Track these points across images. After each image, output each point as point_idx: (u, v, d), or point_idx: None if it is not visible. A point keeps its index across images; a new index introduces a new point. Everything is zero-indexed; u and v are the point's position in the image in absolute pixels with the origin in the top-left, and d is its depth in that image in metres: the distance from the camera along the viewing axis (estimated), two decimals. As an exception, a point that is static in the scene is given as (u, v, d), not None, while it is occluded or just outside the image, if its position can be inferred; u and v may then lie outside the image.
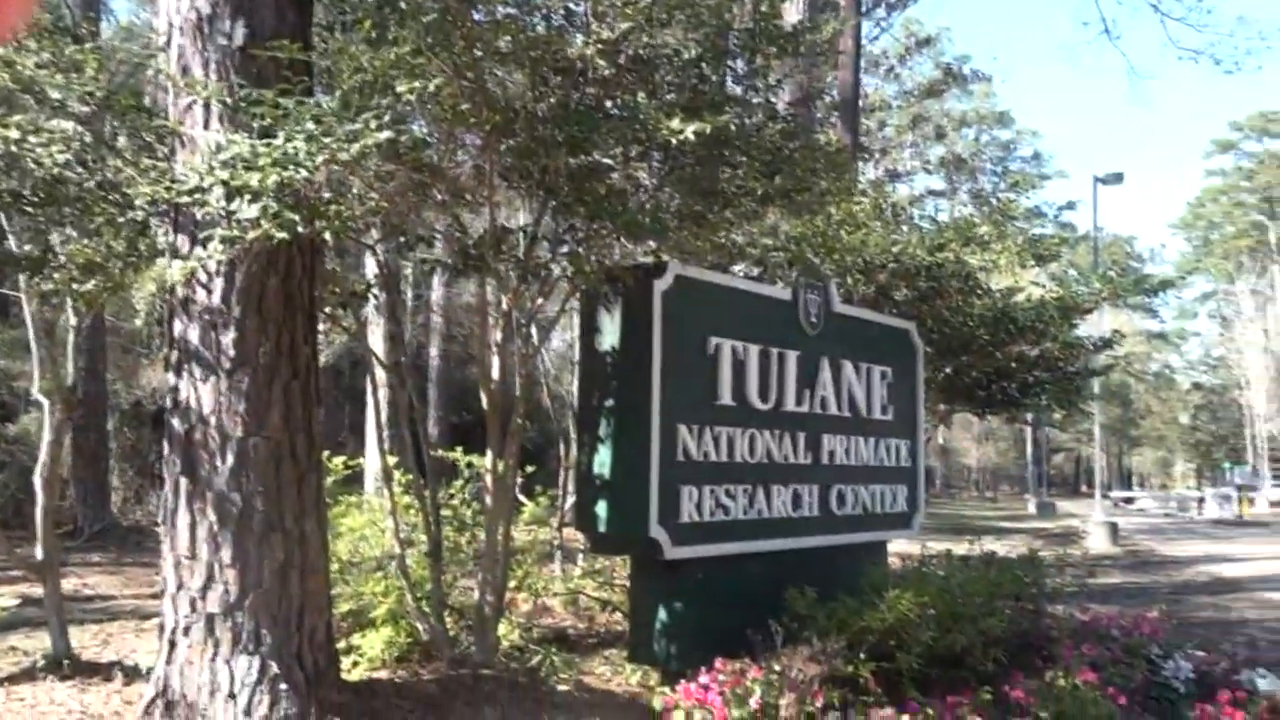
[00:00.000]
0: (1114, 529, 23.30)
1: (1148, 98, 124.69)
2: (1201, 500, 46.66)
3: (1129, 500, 55.23)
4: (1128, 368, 58.02)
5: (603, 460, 5.59)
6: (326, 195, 4.48)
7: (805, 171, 5.73)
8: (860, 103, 21.01)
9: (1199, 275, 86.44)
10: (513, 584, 6.77)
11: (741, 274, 7.34)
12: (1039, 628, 6.48)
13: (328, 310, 5.74)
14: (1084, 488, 70.61)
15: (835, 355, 6.73)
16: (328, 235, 4.70)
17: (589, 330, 5.78)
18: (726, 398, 5.86)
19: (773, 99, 6.33)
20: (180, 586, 4.57)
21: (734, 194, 5.63)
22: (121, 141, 4.80)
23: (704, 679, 4.64)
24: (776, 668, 4.91)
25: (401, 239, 5.57)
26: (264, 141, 4.02)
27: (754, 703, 4.52)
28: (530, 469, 7.57)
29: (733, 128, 5.28)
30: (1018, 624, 6.20)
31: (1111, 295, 11.82)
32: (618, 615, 7.13)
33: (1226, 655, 6.54)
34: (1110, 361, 13.67)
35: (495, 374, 5.68)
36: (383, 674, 5.51)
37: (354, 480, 7.31)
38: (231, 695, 4.46)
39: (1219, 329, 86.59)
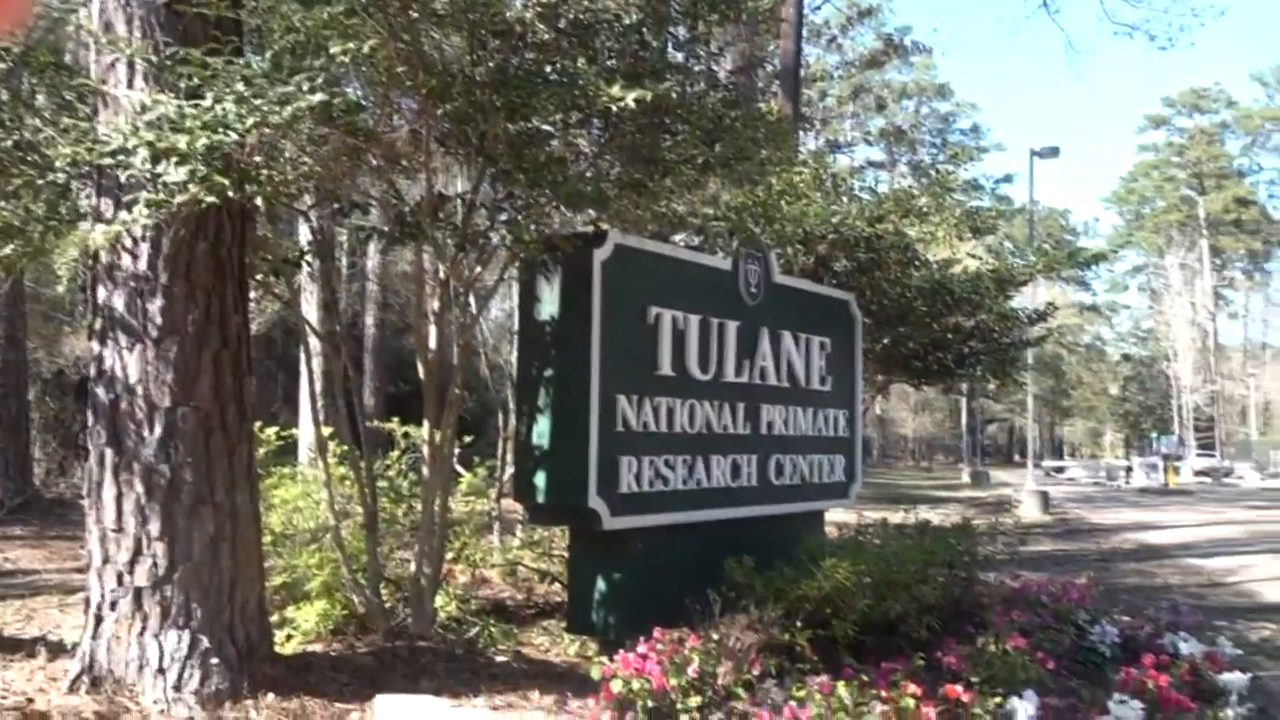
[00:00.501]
0: (1045, 498, 23.83)
1: (1085, 73, 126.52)
2: (1129, 469, 47.93)
3: (1060, 469, 56.47)
4: (1060, 339, 59.09)
5: (542, 431, 5.55)
6: (257, 159, 4.36)
7: (746, 140, 5.70)
8: (801, 72, 21.03)
9: (1130, 249, 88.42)
10: (450, 555, 6.72)
11: (682, 243, 7.31)
12: (972, 595, 6.59)
13: (259, 278, 5.61)
14: (1017, 457, 71.95)
15: (775, 326, 6.74)
16: (259, 200, 4.59)
17: (528, 299, 5.72)
18: (666, 368, 5.84)
19: (714, 67, 6.29)
20: (106, 560, 4.46)
21: (674, 162, 5.58)
22: (40, 100, 4.61)
23: (642, 648, 4.63)
24: (714, 637, 4.93)
25: (336, 205, 5.46)
26: (191, 103, 3.90)
27: (692, 671, 4.53)
28: (468, 439, 7.50)
29: (674, 95, 5.23)
30: (951, 591, 6.29)
31: (1046, 268, 12.02)
32: (556, 586, 7.12)
33: (1150, 620, 6.70)
34: (1044, 333, 13.87)
35: (432, 343, 5.59)
36: (317, 647, 5.44)
37: (287, 451, 7.19)
38: (161, 670, 4.38)
39: (1148, 302, 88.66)
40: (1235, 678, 5.18)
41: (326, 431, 6.18)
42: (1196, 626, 6.70)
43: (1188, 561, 13.99)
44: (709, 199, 7.23)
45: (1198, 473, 51.91)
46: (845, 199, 10.15)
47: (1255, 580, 12.03)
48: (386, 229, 5.75)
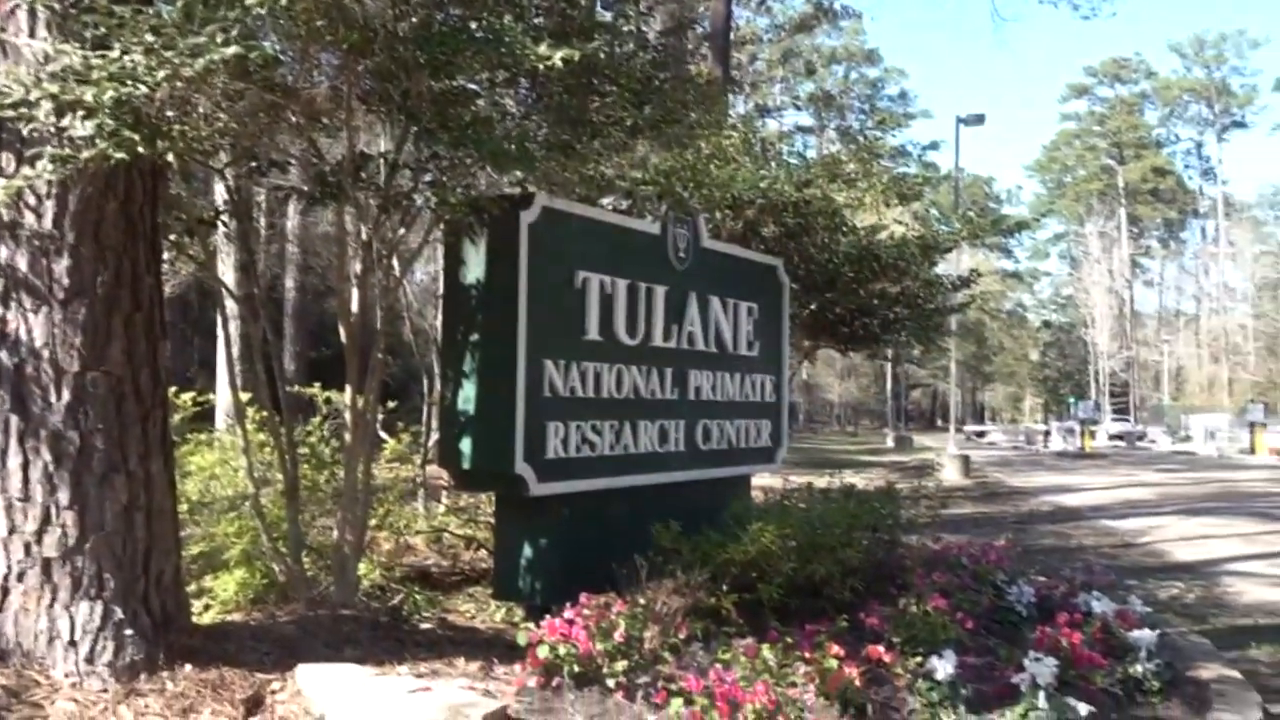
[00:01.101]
0: (966, 462, 24.36)
1: (1011, 41, 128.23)
2: (1047, 434, 49.19)
3: (981, 434, 57.79)
4: (983, 306, 60.24)
5: (467, 396, 5.48)
6: (169, 114, 4.20)
7: (675, 103, 5.65)
8: (731, 35, 20.95)
9: (1052, 217, 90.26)
10: (374, 523, 6.63)
11: (610, 207, 7.24)
12: (894, 557, 6.69)
13: (173, 238, 5.42)
14: (940, 422, 73.46)
15: (703, 291, 6.72)
16: (171, 157, 4.41)
17: (453, 262, 5.63)
18: (594, 333, 5.80)
19: (643, 27, 6.22)
20: (13, 530, 4.29)
21: (603, 124, 5.51)
22: (-65, 49, 4.38)
23: (569, 614, 4.62)
24: (641, 601, 4.94)
25: (253, 163, 5.27)
26: (98, 53, 3.72)
27: (618, 636, 4.53)
28: (392, 405, 7.40)
29: (602, 56, 5.15)
30: (874, 554, 6.39)
31: (970, 235, 12.19)
32: (482, 552, 7.07)
33: (1065, 580, 6.89)
34: (967, 299, 14.08)
35: (355, 307, 5.47)
36: (237, 617, 5.33)
37: (204, 417, 7.01)
38: (72, 643, 4.24)
39: (1068, 269, 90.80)
40: (1145, 635, 5.32)
41: (245, 397, 6.03)
42: (1109, 586, 6.89)
43: (1101, 523, 14.41)
44: (637, 162, 7.17)
45: (1112, 437, 53.47)
46: (774, 164, 10.14)
47: (1165, 541, 12.43)
48: (306, 189, 5.59)
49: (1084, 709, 4.38)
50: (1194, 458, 38.95)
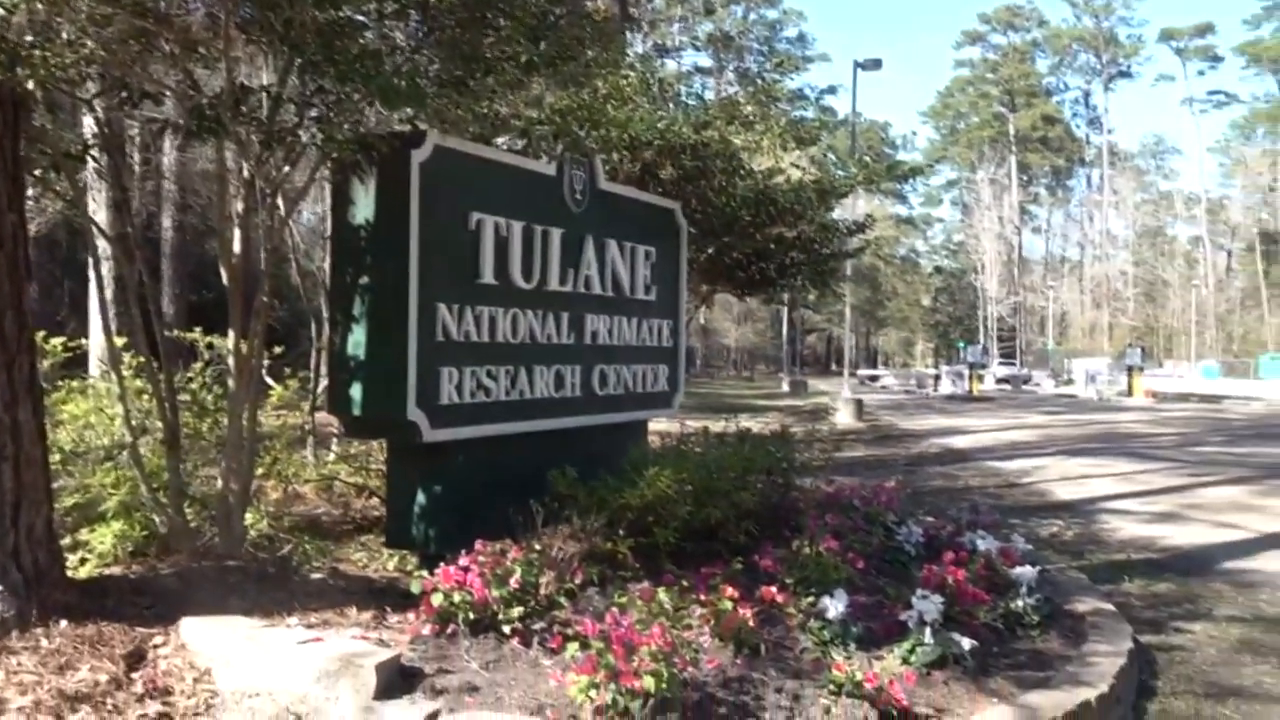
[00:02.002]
0: (859, 405, 24.86)
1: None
2: (937, 378, 50.53)
3: (874, 378, 58.98)
4: (878, 251, 61.34)
5: (357, 341, 5.32)
6: (29, 38, 3.93)
7: (571, 39, 5.51)
8: (631, -25, 20.63)
9: (945, 164, 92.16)
10: (260, 471, 6.44)
11: (504, 147, 7.07)
12: (788, 500, 6.78)
13: (38, 173, 5.12)
14: (834, 366, 74.85)
15: (600, 234, 6.63)
16: (33, 85, 4.14)
17: (341, 202, 5.43)
18: (488, 276, 5.68)
19: (539, -40, 6.02)
20: None
21: (497, 60, 5.33)
22: None
23: (464, 561, 4.57)
24: (537, 547, 4.91)
25: (124, 94, 4.97)
26: (-55, -29, 3.46)
27: (514, 582, 4.50)
28: (279, 350, 7.17)
29: (496, -12, 4.98)
30: (769, 497, 6.45)
31: (866, 180, 12.30)
32: (374, 500, 6.94)
33: (952, 520, 7.08)
34: (862, 245, 14.27)
35: (237, 248, 5.25)
36: (116, 570, 5.14)
37: (77, 363, 6.69)
38: (-65, 600, 4.05)
39: (960, 216, 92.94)
40: (1025, 571, 5.50)
41: (120, 342, 5.77)
42: (993, 525, 7.11)
43: (987, 464, 14.88)
44: (533, 101, 6.99)
45: (999, 380, 55.19)
46: (672, 105, 10.07)
47: (1047, 480, 12.91)
48: (183, 122, 5.31)
49: (967, 643, 4.51)
50: (1076, 400, 40.54)
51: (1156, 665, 5.29)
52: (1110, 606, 5.81)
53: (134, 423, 5.36)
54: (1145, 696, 4.81)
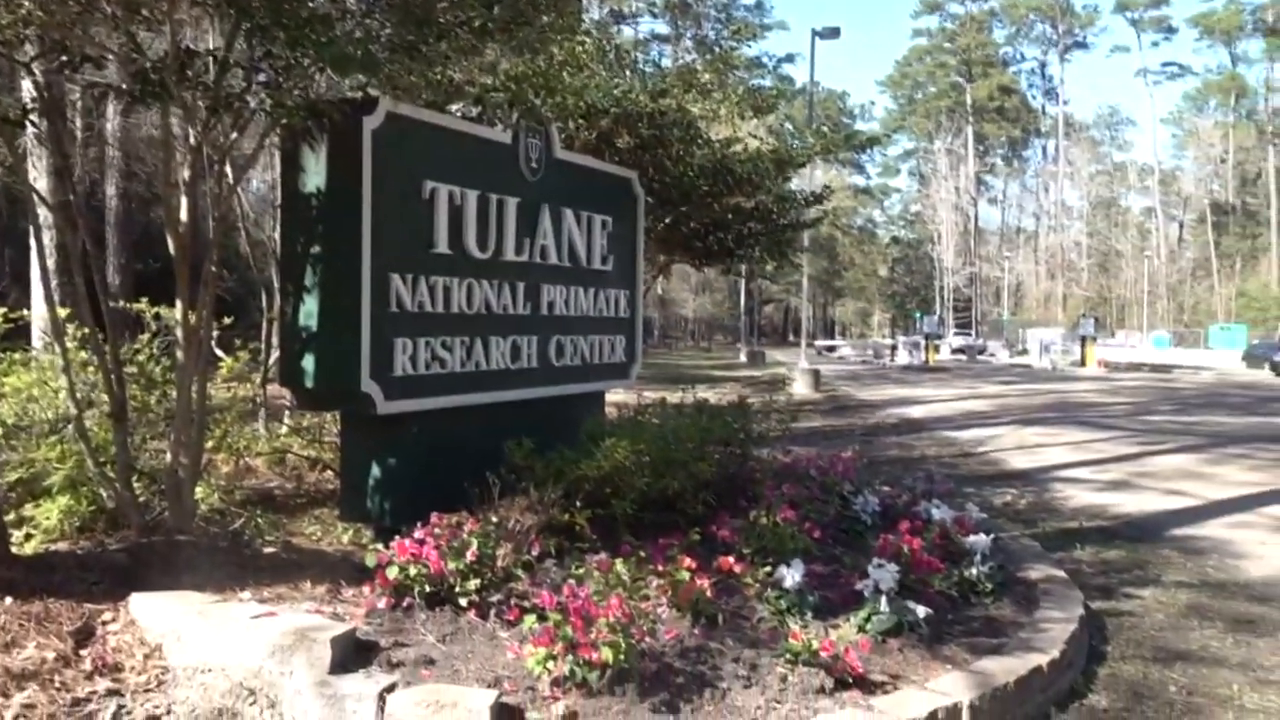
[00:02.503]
0: (817, 376, 24.97)
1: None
2: (894, 348, 50.88)
3: (831, 349, 59.32)
4: (835, 222, 61.52)
5: (309, 311, 5.24)
6: (-39, -1, 3.79)
7: (526, 4, 5.41)
8: (588, -58, 20.38)
9: (903, 134, 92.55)
10: (211, 444, 6.34)
11: (458, 114, 6.96)
12: (746, 471, 6.78)
13: (-26, 139, 4.96)
14: (792, 337, 75.28)
15: (556, 203, 6.56)
16: (-35, 48, 4.00)
17: (292, 170, 5.33)
18: (443, 246, 5.61)
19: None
20: None
21: (450, 25, 5.23)
22: None
23: (419, 534, 4.53)
24: (494, 519, 4.88)
25: (64, 58, 4.82)
26: None
27: (470, 555, 4.46)
28: (228, 321, 7.04)
29: (448, -50, 4.87)
30: (726, 468, 6.45)
31: (824, 150, 12.29)
32: (328, 473, 6.86)
33: (908, 489, 7.12)
34: (820, 215, 14.26)
35: (184, 216, 5.12)
36: (62, 546, 5.03)
37: (18, 335, 6.51)
38: None
39: (917, 186, 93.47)
40: (979, 540, 5.55)
41: (64, 313, 5.63)
42: (948, 494, 7.16)
43: (943, 434, 15.01)
44: (487, 67, 6.90)
45: (955, 350, 55.77)
46: (629, 73, 9.97)
47: (1001, 450, 13.04)
48: (126, 87, 5.17)
49: (922, 611, 4.54)
50: (1030, 370, 41.00)
51: (1107, 631, 5.35)
52: (1062, 574, 5.88)
53: (79, 395, 5.23)
54: (1096, 661, 4.87)
